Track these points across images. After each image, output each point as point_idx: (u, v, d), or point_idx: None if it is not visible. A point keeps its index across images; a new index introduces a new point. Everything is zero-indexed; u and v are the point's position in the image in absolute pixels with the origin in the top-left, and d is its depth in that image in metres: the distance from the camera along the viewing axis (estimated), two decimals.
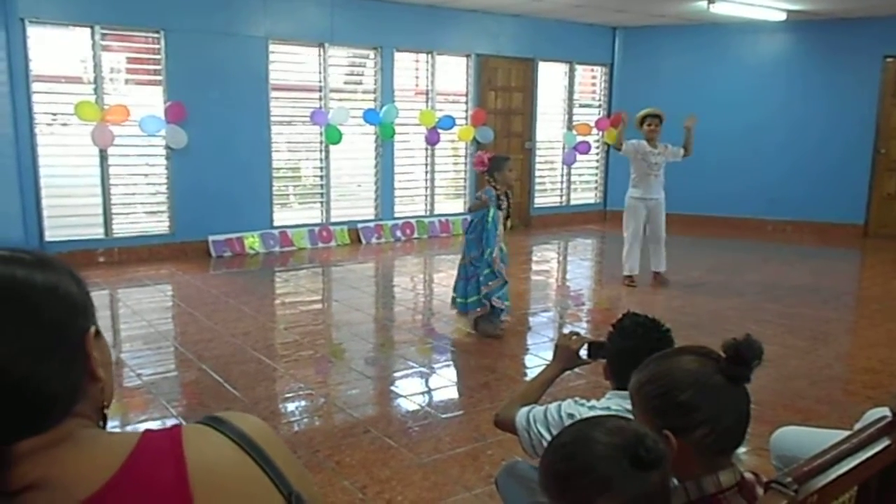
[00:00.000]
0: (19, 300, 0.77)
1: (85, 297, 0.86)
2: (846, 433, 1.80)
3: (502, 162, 5.40)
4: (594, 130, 11.09)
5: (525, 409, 2.05)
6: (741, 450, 1.50)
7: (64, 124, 7.46)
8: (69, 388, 0.80)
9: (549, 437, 1.89)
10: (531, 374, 4.57)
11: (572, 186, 11.38)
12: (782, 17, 9.26)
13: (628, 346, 1.95)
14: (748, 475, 1.42)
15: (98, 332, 0.85)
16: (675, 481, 1.40)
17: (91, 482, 0.77)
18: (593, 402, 1.93)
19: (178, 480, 0.78)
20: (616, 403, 1.88)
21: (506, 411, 2.14)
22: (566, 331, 2.41)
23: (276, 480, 0.84)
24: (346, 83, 9.23)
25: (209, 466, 0.81)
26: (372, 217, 9.37)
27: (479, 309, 5.32)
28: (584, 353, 2.21)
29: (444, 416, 3.92)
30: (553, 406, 1.99)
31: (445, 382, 4.54)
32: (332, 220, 9.04)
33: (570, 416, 1.88)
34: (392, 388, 4.41)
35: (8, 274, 0.78)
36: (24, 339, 0.75)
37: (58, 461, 0.77)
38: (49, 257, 0.85)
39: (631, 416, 1.44)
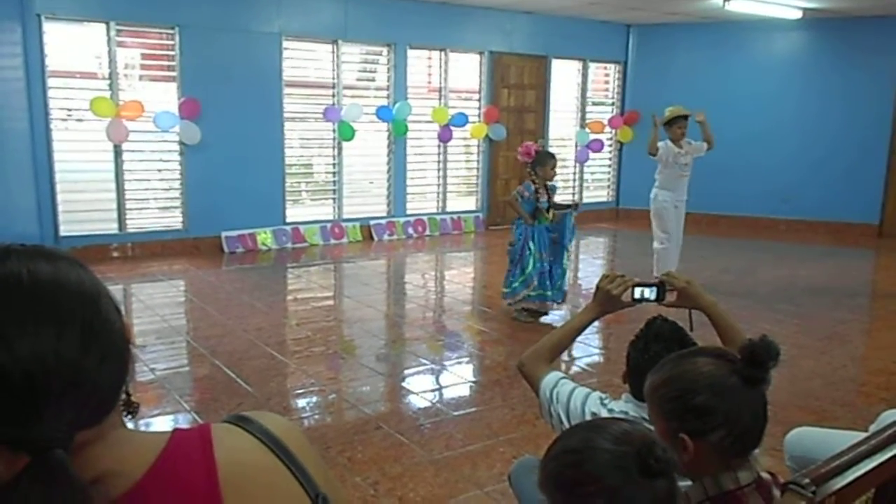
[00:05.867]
0: (91, 301, 0.77)
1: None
2: (861, 435, 1.79)
3: (547, 158, 5.55)
4: (607, 128, 11.05)
5: (552, 378, 1.96)
6: (755, 450, 1.48)
7: (79, 120, 7.52)
8: (120, 385, 0.79)
9: (566, 423, 1.87)
10: None
11: (585, 184, 11.36)
12: (798, 14, 9.18)
13: (649, 356, 1.80)
14: (765, 475, 1.41)
15: None
16: (691, 481, 1.40)
17: (125, 480, 0.77)
18: (612, 405, 1.91)
19: (208, 480, 0.78)
20: (633, 409, 1.86)
21: (533, 363, 2.02)
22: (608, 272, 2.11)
23: (303, 482, 0.84)
24: (359, 80, 9.24)
25: (238, 466, 0.81)
26: (384, 214, 9.38)
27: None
28: (639, 294, 1.98)
29: (455, 413, 3.92)
30: (579, 394, 1.92)
31: (457, 379, 4.54)
32: (345, 216, 9.06)
33: (594, 414, 1.86)
34: (403, 384, 4.42)
35: (75, 276, 0.78)
36: (93, 340, 0.74)
37: (94, 458, 0.76)
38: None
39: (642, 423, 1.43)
